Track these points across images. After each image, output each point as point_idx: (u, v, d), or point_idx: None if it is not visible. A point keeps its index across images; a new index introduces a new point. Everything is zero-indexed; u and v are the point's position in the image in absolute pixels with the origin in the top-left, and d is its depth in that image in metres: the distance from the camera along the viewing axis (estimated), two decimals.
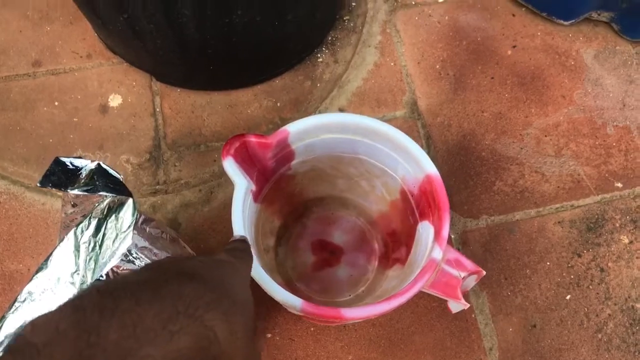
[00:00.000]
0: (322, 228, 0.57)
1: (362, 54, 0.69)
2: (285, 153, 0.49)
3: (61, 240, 0.39)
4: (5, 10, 0.69)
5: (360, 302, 0.53)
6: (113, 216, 0.38)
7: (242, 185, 0.44)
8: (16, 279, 0.57)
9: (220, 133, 0.64)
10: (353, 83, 0.67)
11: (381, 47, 0.69)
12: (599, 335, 0.56)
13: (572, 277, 0.58)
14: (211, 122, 0.64)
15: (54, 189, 0.36)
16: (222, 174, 0.61)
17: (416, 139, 0.63)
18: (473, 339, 0.56)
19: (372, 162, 0.51)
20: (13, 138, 0.63)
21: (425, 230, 0.47)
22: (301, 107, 0.66)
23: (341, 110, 0.65)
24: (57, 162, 0.38)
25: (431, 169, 0.45)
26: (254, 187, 0.46)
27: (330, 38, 0.69)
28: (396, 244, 0.54)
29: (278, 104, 0.66)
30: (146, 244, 0.40)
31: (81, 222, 0.38)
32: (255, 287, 0.40)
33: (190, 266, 0.26)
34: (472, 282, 0.47)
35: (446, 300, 0.46)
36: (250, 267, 0.34)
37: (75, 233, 0.38)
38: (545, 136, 0.65)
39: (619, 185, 0.63)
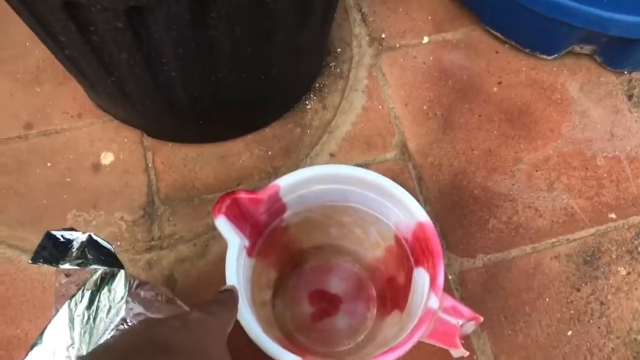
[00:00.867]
0: (319, 277, 0.57)
1: (350, 99, 0.69)
2: (277, 207, 0.49)
3: (56, 311, 0.39)
4: None
5: (361, 350, 0.53)
6: (106, 288, 0.38)
7: (235, 243, 0.44)
8: (14, 344, 0.57)
9: (213, 185, 0.64)
10: (342, 128, 0.68)
11: (368, 90, 0.70)
12: None
13: (572, 312, 0.58)
14: (203, 174, 0.65)
15: (46, 265, 0.36)
16: None
17: (407, 180, 0.63)
18: None
19: (364, 210, 0.51)
20: (7, 201, 0.63)
21: (420, 277, 0.47)
22: (292, 154, 0.66)
23: (332, 155, 0.66)
24: (49, 236, 0.38)
25: (422, 216, 0.45)
26: (247, 243, 0.47)
27: (317, 85, 0.70)
28: (393, 290, 0.54)
29: (269, 153, 0.66)
30: (141, 309, 0.40)
31: (75, 294, 0.38)
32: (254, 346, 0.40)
33: (162, 335, 0.26)
34: (470, 327, 0.46)
35: None
36: (229, 321, 0.34)
37: (69, 306, 0.38)
38: (537, 171, 0.65)
39: (613, 216, 0.63)
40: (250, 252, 0.48)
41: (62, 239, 0.38)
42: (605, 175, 0.65)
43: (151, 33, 0.45)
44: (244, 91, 0.57)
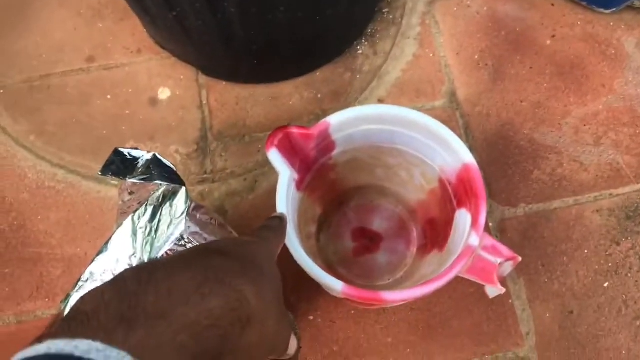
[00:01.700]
0: (362, 216, 0.59)
1: (401, 46, 0.70)
2: (326, 144, 0.51)
3: (119, 225, 0.42)
4: (61, 9, 0.73)
5: (399, 286, 0.55)
6: (167, 203, 0.40)
7: (285, 174, 0.46)
8: (74, 262, 0.61)
9: (264, 124, 0.66)
10: (392, 74, 0.68)
11: (420, 38, 0.70)
12: (638, 323, 0.57)
13: (610, 264, 0.59)
14: (255, 113, 0.67)
15: (113, 177, 0.39)
16: (266, 163, 0.64)
17: (455, 128, 0.64)
18: (510, 324, 0.57)
19: (410, 152, 0.52)
20: (70, 130, 0.67)
21: (462, 218, 0.48)
22: (341, 99, 0.68)
23: (380, 101, 0.67)
24: (116, 153, 0.41)
25: (468, 158, 0.47)
26: (296, 176, 0.49)
27: (369, 30, 0.71)
28: (434, 231, 0.56)
29: (319, 96, 0.68)
30: (197, 229, 0.43)
31: (138, 209, 0.41)
32: (298, 270, 0.42)
33: (218, 245, 0.29)
34: (508, 268, 0.48)
35: (483, 286, 0.47)
36: (278, 245, 0.36)
37: (132, 219, 0.41)
38: (584, 125, 0.65)
39: None
40: (299, 186, 0.50)
41: (128, 156, 0.41)
42: None
43: None
44: (299, 31, 0.59)
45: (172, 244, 0.40)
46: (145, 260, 0.40)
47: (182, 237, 0.41)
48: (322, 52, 0.67)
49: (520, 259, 0.46)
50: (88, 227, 0.62)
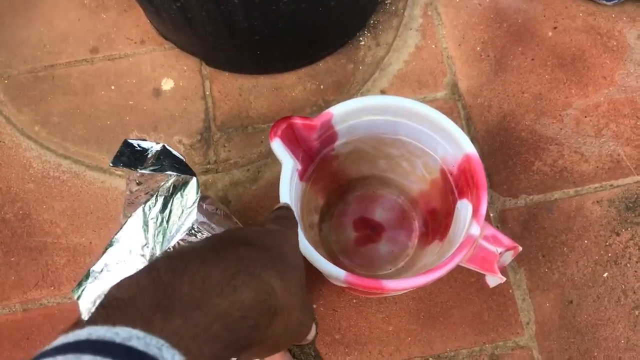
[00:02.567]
0: (364, 206, 0.60)
1: (404, 37, 0.70)
2: (329, 134, 0.51)
3: (127, 216, 0.42)
4: (65, 0, 0.73)
5: (401, 275, 0.56)
6: (178, 194, 0.41)
7: (289, 164, 0.47)
8: (80, 251, 0.61)
9: (267, 115, 0.67)
10: (394, 65, 0.69)
11: (422, 29, 0.71)
12: (636, 312, 0.57)
13: (609, 255, 0.60)
14: (258, 104, 0.67)
15: (125, 168, 0.40)
16: (269, 154, 0.64)
17: (456, 119, 0.65)
18: (510, 313, 0.58)
19: (412, 143, 0.53)
20: (74, 120, 0.67)
21: (463, 208, 0.49)
22: (344, 90, 0.68)
23: (383, 92, 0.67)
24: (126, 144, 0.41)
25: (470, 148, 0.47)
26: (299, 167, 0.49)
27: (372, 21, 0.71)
28: (435, 222, 0.56)
29: (321, 87, 0.68)
30: (205, 219, 0.43)
31: (148, 200, 0.42)
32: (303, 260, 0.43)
33: (244, 235, 0.29)
34: (509, 257, 0.48)
35: (484, 275, 0.48)
36: (297, 233, 0.36)
37: (143, 210, 0.41)
38: (585, 117, 0.66)
39: None
40: (301, 176, 0.50)
41: (138, 147, 0.41)
42: None
43: None
44: (302, 22, 0.59)
45: (184, 234, 0.40)
46: (158, 251, 0.40)
47: (192, 227, 0.41)
48: (324, 43, 0.67)
49: (520, 248, 0.46)
50: (92, 217, 0.63)
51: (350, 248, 0.58)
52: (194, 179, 0.41)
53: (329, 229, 0.59)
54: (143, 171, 0.40)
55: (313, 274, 0.46)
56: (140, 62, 0.70)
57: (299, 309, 0.29)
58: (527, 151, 0.64)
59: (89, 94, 0.68)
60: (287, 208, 0.40)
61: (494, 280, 0.47)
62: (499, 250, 0.45)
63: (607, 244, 0.60)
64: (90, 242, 0.62)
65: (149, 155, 0.41)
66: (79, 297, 0.41)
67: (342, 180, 0.59)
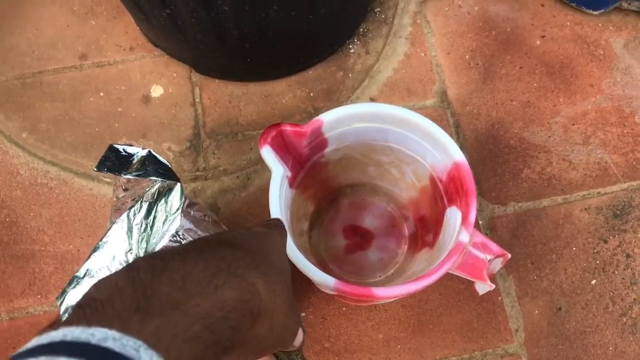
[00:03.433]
0: (354, 213, 0.60)
1: (393, 45, 0.71)
2: (319, 141, 0.51)
3: (113, 222, 0.42)
4: (54, 6, 0.73)
5: (390, 282, 0.56)
6: (163, 200, 0.41)
7: (278, 171, 0.47)
8: (67, 259, 0.61)
9: (256, 122, 0.67)
10: (384, 73, 0.69)
11: (412, 37, 0.71)
12: (624, 319, 0.58)
13: (597, 262, 0.60)
14: (247, 111, 0.67)
15: (108, 173, 0.40)
16: (259, 161, 0.64)
17: (445, 127, 0.65)
18: (499, 320, 0.58)
19: (402, 150, 0.53)
20: (62, 127, 0.67)
21: (453, 215, 0.49)
22: (333, 97, 0.68)
23: (372, 99, 0.67)
24: (111, 149, 0.41)
25: (459, 156, 0.47)
26: (289, 174, 0.49)
27: (361, 29, 0.71)
28: (425, 229, 0.56)
29: (311, 94, 0.68)
30: (191, 226, 0.43)
31: (133, 205, 0.41)
32: (291, 267, 0.43)
33: (230, 237, 0.29)
34: (498, 265, 0.48)
35: (473, 283, 0.48)
36: (285, 237, 0.36)
37: (128, 216, 0.41)
38: (573, 125, 0.66)
39: None
40: (291, 183, 0.50)
41: (123, 152, 0.41)
42: None
43: None
44: (292, 30, 0.59)
45: (168, 240, 0.40)
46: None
47: (177, 234, 0.41)
48: (314, 51, 0.68)
49: (509, 255, 0.46)
50: (80, 224, 0.62)
51: (340, 255, 0.58)
52: (178, 185, 0.41)
53: (319, 236, 0.59)
54: (127, 176, 0.40)
55: (302, 282, 0.46)
56: (130, 68, 0.70)
57: (284, 312, 0.29)
58: (516, 159, 0.65)
59: (77, 100, 0.68)
60: (278, 219, 0.40)
61: (483, 287, 0.48)
62: (488, 257, 0.46)
63: (595, 251, 0.60)
64: (78, 250, 0.61)
65: (134, 161, 0.41)
66: (61, 304, 0.41)
67: (332, 187, 0.59)
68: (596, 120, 0.66)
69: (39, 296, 0.60)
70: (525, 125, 0.66)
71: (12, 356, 0.19)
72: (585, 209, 0.62)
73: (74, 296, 0.40)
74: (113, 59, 0.70)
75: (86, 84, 0.69)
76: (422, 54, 0.70)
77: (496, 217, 0.62)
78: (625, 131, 0.66)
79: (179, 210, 0.40)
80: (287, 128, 0.48)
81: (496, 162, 0.64)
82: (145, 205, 0.41)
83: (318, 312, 0.58)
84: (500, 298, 0.59)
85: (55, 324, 0.21)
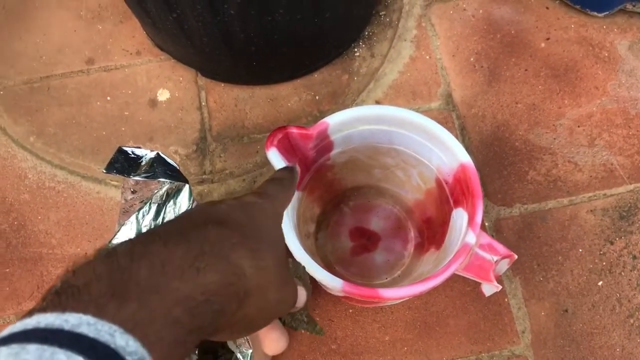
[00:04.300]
0: (360, 215, 0.60)
1: (398, 48, 0.71)
2: (324, 144, 0.51)
3: (122, 224, 0.43)
4: (61, 10, 0.73)
5: (397, 284, 0.56)
6: (171, 201, 0.41)
7: None
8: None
9: (262, 125, 0.67)
10: (389, 76, 0.69)
11: (417, 40, 0.71)
12: (631, 321, 0.58)
13: (604, 263, 0.60)
14: (253, 115, 0.68)
15: (117, 175, 0.40)
16: (265, 164, 0.65)
17: (451, 130, 0.65)
18: (506, 322, 0.58)
19: (407, 152, 0.53)
20: (69, 131, 0.67)
21: (459, 216, 0.49)
22: (339, 100, 0.68)
23: (377, 102, 0.68)
24: (120, 151, 0.42)
25: (465, 158, 0.47)
26: None
27: (367, 33, 0.72)
28: (431, 231, 0.57)
29: (317, 97, 0.68)
30: None
31: (142, 207, 0.42)
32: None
33: (217, 212, 0.28)
34: (504, 266, 0.49)
35: (479, 284, 0.48)
36: (285, 201, 0.34)
37: (137, 218, 0.42)
38: (579, 126, 0.66)
39: None
40: (297, 185, 0.51)
41: (132, 155, 0.41)
42: None
43: None
44: (297, 33, 0.60)
45: None
46: None
47: None
48: (320, 54, 0.68)
49: (516, 256, 0.46)
50: (88, 227, 0.63)
51: (347, 257, 0.58)
52: (187, 186, 0.41)
53: (325, 238, 0.59)
54: (136, 178, 0.41)
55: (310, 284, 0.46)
56: (136, 73, 0.70)
57: (277, 288, 0.28)
58: (521, 161, 0.65)
59: (84, 104, 0.68)
60: (290, 169, 0.37)
61: (489, 288, 0.48)
62: (495, 258, 0.46)
63: (602, 252, 0.60)
64: (86, 253, 0.61)
65: (143, 163, 0.41)
66: None
67: (338, 189, 0.60)
68: (601, 122, 0.66)
69: None
70: (530, 128, 0.66)
71: None
72: (591, 210, 0.62)
73: None
74: (120, 63, 0.71)
75: (93, 88, 0.69)
76: (427, 57, 0.70)
77: (502, 219, 0.62)
78: (630, 133, 0.66)
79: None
80: (294, 130, 0.48)
81: (502, 164, 0.65)
82: (154, 207, 0.41)
83: (325, 314, 0.58)
84: (506, 300, 0.59)
85: (31, 311, 0.20)
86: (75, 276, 0.22)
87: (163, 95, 0.69)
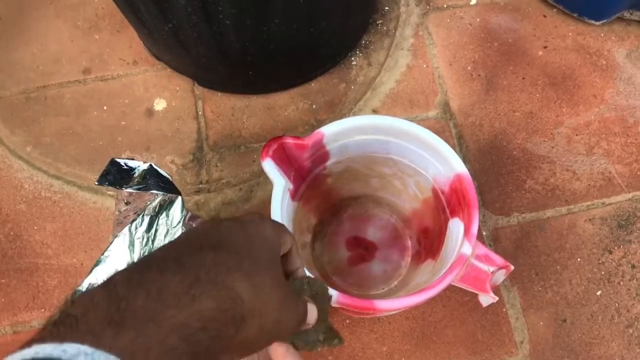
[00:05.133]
0: (357, 225, 0.60)
1: (395, 57, 0.71)
2: (320, 154, 0.51)
3: (115, 236, 0.42)
4: (58, 20, 0.73)
5: (394, 295, 0.56)
6: (164, 213, 0.41)
7: (280, 184, 0.47)
8: (71, 272, 0.61)
9: (259, 134, 0.67)
10: (386, 85, 0.69)
11: (414, 49, 0.71)
12: (630, 331, 0.57)
13: (602, 273, 0.60)
14: (250, 124, 0.67)
15: (110, 187, 0.40)
16: (261, 173, 0.64)
17: (448, 138, 0.65)
18: (504, 332, 0.57)
19: (404, 162, 0.53)
20: (66, 141, 0.67)
21: (455, 226, 0.49)
22: (336, 109, 0.68)
23: (374, 111, 0.67)
24: (113, 163, 0.41)
25: (461, 168, 0.47)
26: (291, 186, 0.49)
27: (363, 42, 0.72)
28: (428, 240, 0.56)
29: (314, 106, 0.68)
30: None
31: (135, 219, 0.41)
32: None
33: (214, 235, 0.28)
34: (501, 277, 0.48)
35: (477, 294, 0.48)
36: (283, 233, 0.33)
37: (130, 230, 0.41)
38: (577, 135, 0.66)
39: None
40: (293, 195, 0.50)
41: (125, 166, 0.41)
42: None
43: None
44: (293, 43, 0.60)
45: None
46: None
47: None
48: (316, 63, 0.68)
49: (512, 267, 0.46)
50: (84, 238, 0.62)
51: (344, 267, 0.58)
52: (179, 198, 0.41)
53: (322, 248, 0.59)
54: (129, 190, 0.40)
55: None
56: (133, 82, 0.70)
57: (276, 308, 0.28)
58: (519, 169, 0.64)
59: (81, 114, 0.68)
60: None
61: (486, 299, 0.47)
62: (491, 269, 0.45)
63: (600, 261, 0.60)
64: (82, 263, 0.61)
65: (135, 174, 0.41)
66: None
67: (335, 199, 0.59)
68: (599, 130, 0.66)
69: (43, 310, 0.60)
70: (528, 136, 0.66)
71: None
72: (590, 219, 0.62)
73: None
74: (116, 73, 0.71)
75: (90, 98, 0.69)
76: (424, 66, 0.70)
77: (500, 228, 0.62)
78: (629, 141, 0.66)
79: (180, 224, 0.40)
80: (289, 141, 0.48)
81: (499, 173, 0.64)
82: (147, 219, 0.41)
83: None
84: (504, 310, 0.58)
85: (29, 342, 0.20)
86: (74, 306, 0.22)
87: (160, 104, 0.68)
